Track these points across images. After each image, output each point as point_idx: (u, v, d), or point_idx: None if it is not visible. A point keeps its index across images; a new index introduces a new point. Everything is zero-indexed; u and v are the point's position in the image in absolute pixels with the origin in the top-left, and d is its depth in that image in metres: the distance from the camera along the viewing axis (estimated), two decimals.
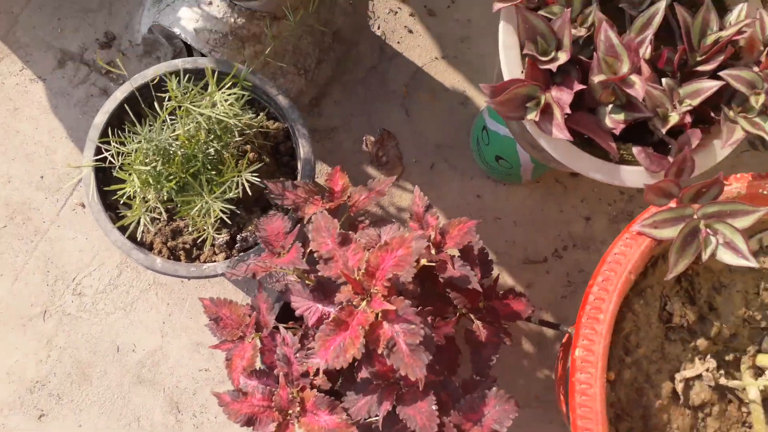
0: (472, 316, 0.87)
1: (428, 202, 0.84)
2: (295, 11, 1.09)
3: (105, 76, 1.20)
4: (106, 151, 0.83)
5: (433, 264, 0.82)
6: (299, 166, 0.93)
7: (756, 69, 0.76)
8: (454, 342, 0.89)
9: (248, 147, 0.93)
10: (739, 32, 0.76)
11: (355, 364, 0.77)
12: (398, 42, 1.25)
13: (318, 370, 0.78)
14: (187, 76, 0.90)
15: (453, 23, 1.26)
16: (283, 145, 0.98)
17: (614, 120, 0.75)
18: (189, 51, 1.18)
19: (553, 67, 0.72)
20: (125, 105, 0.92)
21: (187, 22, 1.05)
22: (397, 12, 1.26)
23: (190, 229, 0.91)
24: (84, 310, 1.12)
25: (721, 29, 0.76)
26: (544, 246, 1.21)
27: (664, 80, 0.75)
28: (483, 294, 0.88)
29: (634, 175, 0.76)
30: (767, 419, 0.79)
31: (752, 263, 0.68)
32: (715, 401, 0.78)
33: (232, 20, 1.07)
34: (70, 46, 1.21)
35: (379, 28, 1.25)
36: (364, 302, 0.69)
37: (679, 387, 0.77)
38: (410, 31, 1.26)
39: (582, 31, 0.76)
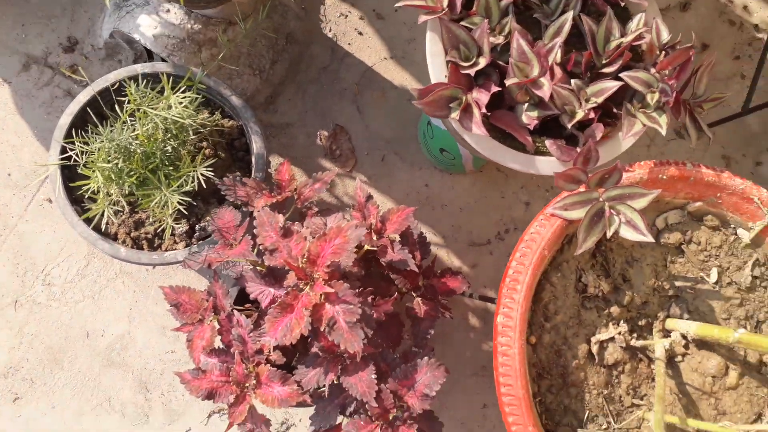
0: (413, 293, 0.96)
1: (369, 192, 0.93)
2: (246, 18, 1.16)
3: (68, 78, 1.25)
4: (71, 150, 0.90)
5: (376, 249, 0.90)
6: (253, 161, 1.00)
7: (653, 70, 0.86)
8: (398, 318, 0.98)
9: (204, 144, 1.00)
10: (639, 38, 0.86)
11: (309, 340, 0.86)
12: (349, 43, 1.33)
13: (272, 347, 0.86)
14: (146, 80, 0.97)
15: (400, 25, 1.34)
16: (238, 141, 1.05)
17: (529, 117, 0.84)
18: (149, 54, 1.25)
19: (472, 71, 0.81)
20: (88, 107, 0.98)
21: (146, 28, 1.12)
22: (347, 15, 1.34)
23: (151, 220, 0.98)
24: (54, 299, 1.19)
25: (623, 36, 0.86)
26: (488, 229, 1.31)
27: (573, 81, 0.85)
28: (422, 273, 0.97)
29: (548, 165, 0.86)
30: (672, 374, 0.90)
31: (648, 238, 0.79)
32: (627, 360, 0.89)
33: (189, 26, 1.13)
34: (34, 51, 1.26)
35: (330, 30, 1.33)
36: (308, 287, 0.77)
37: (594, 348, 0.88)
38: (360, 33, 1.34)
39: (500, 39, 0.85)
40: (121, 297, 1.20)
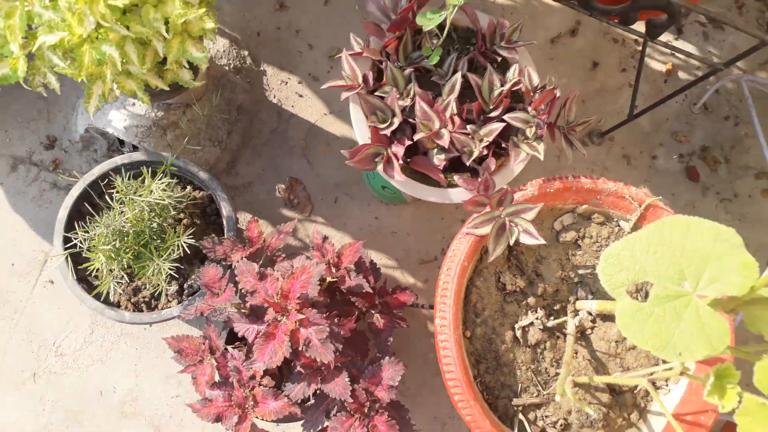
0: (372, 311, 1.17)
1: (324, 234, 1.14)
2: (200, 100, 1.37)
3: (52, 172, 1.44)
4: (75, 239, 1.09)
5: (336, 279, 1.11)
6: (224, 223, 1.21)
7: (530, 109, 1.10)
8: (363, 334, 1.19)
9: (182, 215, 1.20)
10: (516, 84, 1.10)
11: (292, 363, 1.06)
12: (292, 106, 1.55)
13: (263, 373, 1.06)
14: (126, 169, 1.17)
15: None
16: (209, 207, 1.25)
17: (439, 159, 1.07)
18: (121, 141, 1.44)
19: (388, 131, 1.03)
20: (80, 200, 1.17)
21: (117, 122, 1.32)
22: (287, 82, 1.56)
23: (147, 286, 1.17)
24: (67, 367, 1.36)
25: (503, 85, 1.10)
26: (433, 247, 1.52)
27: (469, 126, 1.08)
28: (377, 293, 1.18)
29: (458, 194, 1.08)
30: (584, 344, 1.12)
31: (541, 241, 1.01)
32: (547, 339, 1.11)
33: (153, 114, 1.34)
34: (18, 152, 1.44)
35: (275, 97, 1.55)
36: (284, 317, 0.97)
37: (519, 333, 1.09)
38: (300, 96, 1.56)
39: (408, 101, 1.07)
40: (125, 356, 1.38)
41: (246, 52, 1.53)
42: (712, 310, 0.67)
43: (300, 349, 0.96)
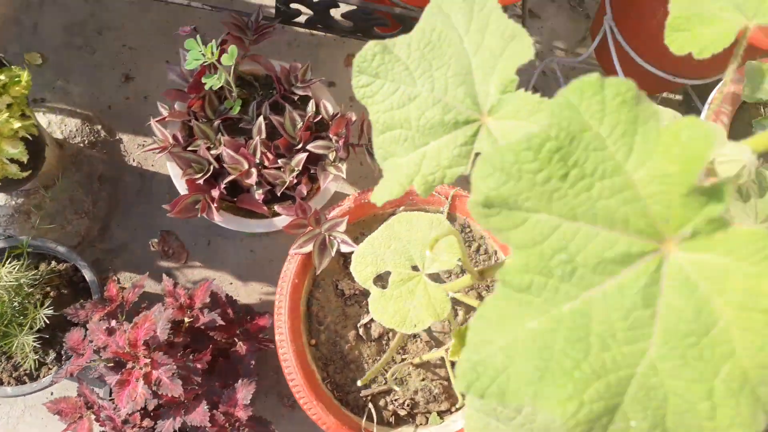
0: (236, 339, 1.29)
1: (174, 281, 1.26)
2: (58, 179, 1.48)
3: None
4: None
5: (192, 319, 1.23)
6: (90, 287, 1.31)
7: (331, 135, 1.25)
8: (230, 360, 1.30)
9: (48, 289, 1.31)
10: (316, 116, 1.25)
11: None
12: (152, 165, 1.67)
13: (142, 415, 1.17)
14: None
15: None
16: (75, 276, 1.36)
17: (259, 194, 1.21)
18: None
19: (202, 180, 1.16)
20: None
21: None
22: (143, 144, 1.68)
23: (23, 360, 1.27)
24: None
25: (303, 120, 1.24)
26: None
27: (281, 160, 1.22)
28: (237, 323, 1.30)
29: (283, 221, 1.22)
30: (426, 329, 1.26)
31: (355, 247, 1.15)
32: (389, 330, 1.25)
33: (13, 202, 1.44)
34: None
35: (134, 160, 1.66)
36: (136, 364, 1.09)
37: (361, 331, 1.23)
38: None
39: (221, 149, 1.21)
40: (33, 426, 1.47)
41: (99, 126, 1.65)
42: (436, 285, 0.82)
43: (153, 389, 1.07)
